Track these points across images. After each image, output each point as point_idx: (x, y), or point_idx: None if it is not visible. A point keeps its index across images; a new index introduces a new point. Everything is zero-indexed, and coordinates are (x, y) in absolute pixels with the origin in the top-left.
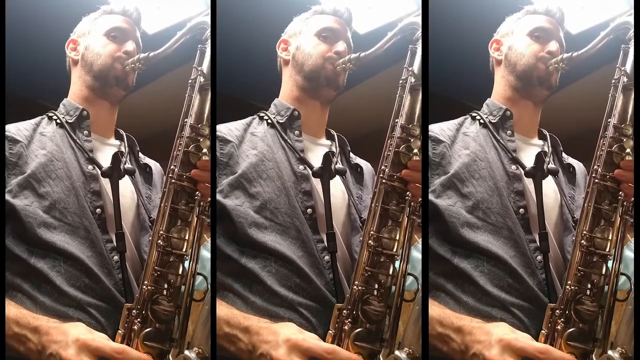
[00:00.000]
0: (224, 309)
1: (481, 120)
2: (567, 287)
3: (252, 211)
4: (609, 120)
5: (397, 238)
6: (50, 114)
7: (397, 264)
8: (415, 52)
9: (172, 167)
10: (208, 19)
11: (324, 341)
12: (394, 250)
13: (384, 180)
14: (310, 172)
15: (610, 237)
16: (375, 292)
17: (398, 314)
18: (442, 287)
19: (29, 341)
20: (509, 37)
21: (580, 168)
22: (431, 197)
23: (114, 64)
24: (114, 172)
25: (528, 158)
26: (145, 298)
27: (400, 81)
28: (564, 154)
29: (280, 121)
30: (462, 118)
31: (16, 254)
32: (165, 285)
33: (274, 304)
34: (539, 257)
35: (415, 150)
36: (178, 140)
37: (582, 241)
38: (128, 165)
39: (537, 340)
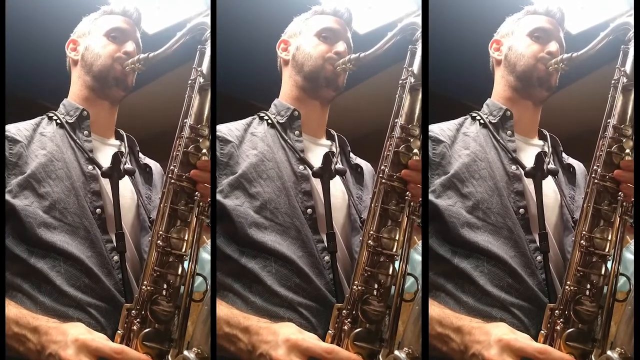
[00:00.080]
0: (224, 309)
1: (481, 121)
2: (567, 287)
3: (252, 211)
4: (608, 120)
5: (397, 238)
6: (51, 114)
7: (396, 264)
8: (415, 52)
9: (171, 167)
10: (208, 20)
11: (324, 341)
12: (394, 250)
13: (383, 180)
14: (310, 172)
15: (609, 238)
16: (375, 292)
17: (398, 313)
18: (442, 287)
19: (29, 341)
20: (509, 37)
21: (580, 168)
22: (431, 197)
23: (114, 64)
24: (114, 172)
25: (528, 158)
26: (145, 298)
27: (400, 81)
28: (564, 154)
29: (281, 121)
30: (462, 118)
31: (16, 254)
32: (165, 286)
33: (273, 304)
34: (539, 258)
35: (415, 150)
36: (177, 141)
37: (582, 241)
38: (128, 166)
39: (536, 340)
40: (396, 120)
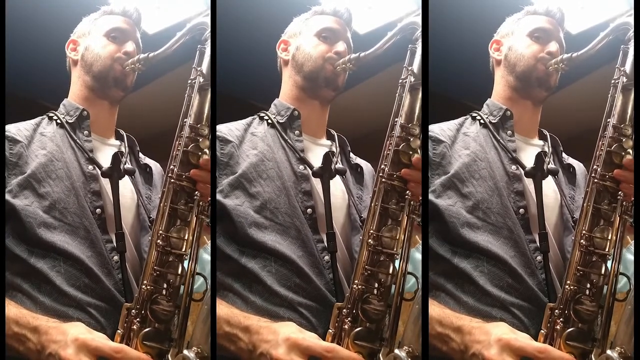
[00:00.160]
0: (224, 309)
1: (481, 121)
2: (567, 286)
3: (252, 211)
4: (608, 120)
5: (397, 237)
6: (51, 114)
7: (397, 263)
8: (415, 52)
9: (171, 167)
10: (207, 20)
11: (324, 341)
12: (394, 249)
13: (383, 179)
14: (310, 172)
15: (609, 237)
16: (375, 291)
17: (398, 313)
18: (442, 287)
19: (29, 341)
20: (509, 37)
21: (580, 168)
22: (431, 197)
23: (114, 64)
24: (114, 172)
25: (528, 158)
26: (145, 298)
27: (400, 80)
28: (564, 154)
29: (281, 121)
30: (462, 118)
31: (16, 254)
32: (165, 285)
33: (273, 303)
34: (539, 257)
35: (415, 148)
36: (177, 140)
37: (582, 241)
38: (128, 166)
39: (536, 340)
40: (396, 120)
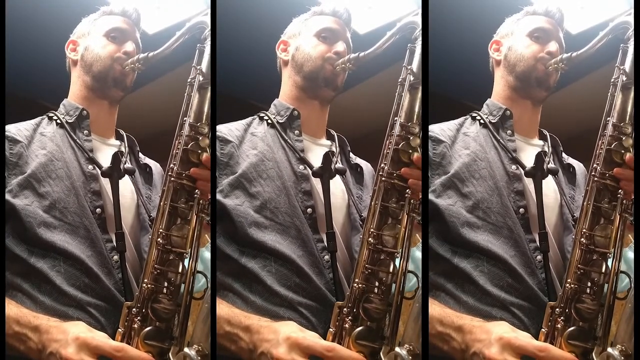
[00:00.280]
0: (224, 309)
1: (481, 121)
2: (567, 285)
3: (252, 211)
4: (608, 118)
5: (397, 236)
6: (51, 114)
7: (397, 261)
8: (414, 51)
9: (171, 165)
10: (207, 19)
11: (325, 340)
12: (394, 247)
13: (383, 178)
14: (310, 171)
15: (609, 235)
16: (376, 290)
17: (398, 311)
18: (442, 286)
19: (29, 340)
20: (509, 37)
21: (580, 168)
22: (431, 196)
23: (114, 64)
24: (114, 172)
25: (528, 158)
26: (145, 296)
27: (400, 80)
28: (564, 154)
29: (280, 121)
30: (462, 118)
31: (16, 254)
32: (165, 284)
33: (274, 303)
34: (539, 257)
35: (415, 147)
36: (177, 139)
37: (582, 239)
38: (128, 165)
39: (537, 339)
40: (395, 119)
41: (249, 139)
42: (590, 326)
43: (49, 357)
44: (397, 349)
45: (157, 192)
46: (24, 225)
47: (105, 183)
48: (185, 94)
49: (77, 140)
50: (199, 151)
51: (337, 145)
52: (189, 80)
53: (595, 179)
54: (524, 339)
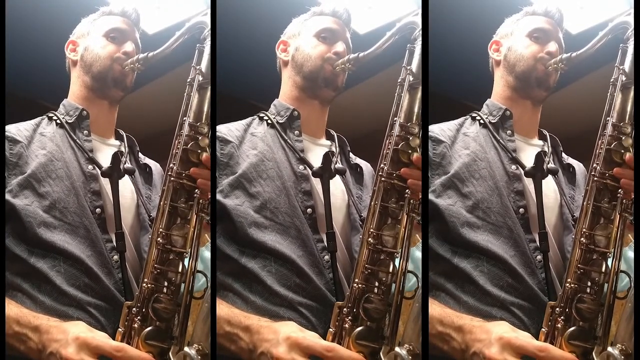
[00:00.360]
0: (224, 309)
1: (481, 121)
2: (567, 285)
3: (252, 211)
4: (607, 118)
5: (397, 236)
6: (50, 114)
7: (397, 261)
8: (413, 51)
9: (171, 165)
10: (206, 19)
11: (325, 340)
12: (394, 247)
13: (383, 178)
14: (310, 172)
15: (609, 235)
16: (376, 290)
17: (398, 311)
18: (442, 286)
19: (30, 340)
20: (509, 38)
21: (580, 168)
22: (431, 197)
23: (113, 64)
24: (114, 172)
25: (528, 158)
26: (145, 296)
27: (399, 80)
28: (563, 154)
29: (280, 121)
30: (462, 118)
31: (16, 254)
32: (165, 283)
33: (274, 303)
34: (539, 257)
35: (415, 147)
36: (177, 139)
37: (582, 239)
38: (128, 165)
39: (537, 339)
40: (395, 119)
41: (249, 139)
42: (591, 326)
43: (49, 357)
44: (397, 349)
45: (157, 192)
46: (24, 225)
47: (105, 183)
48: (185, 94)
49: (77, 141)
50: (199, 151)
51: (337, 146)
52: (188, 80)
53: (595, 178)
54: (524, 338)
